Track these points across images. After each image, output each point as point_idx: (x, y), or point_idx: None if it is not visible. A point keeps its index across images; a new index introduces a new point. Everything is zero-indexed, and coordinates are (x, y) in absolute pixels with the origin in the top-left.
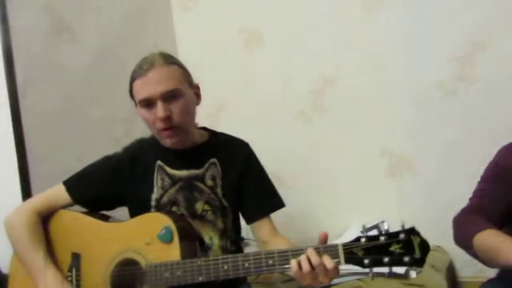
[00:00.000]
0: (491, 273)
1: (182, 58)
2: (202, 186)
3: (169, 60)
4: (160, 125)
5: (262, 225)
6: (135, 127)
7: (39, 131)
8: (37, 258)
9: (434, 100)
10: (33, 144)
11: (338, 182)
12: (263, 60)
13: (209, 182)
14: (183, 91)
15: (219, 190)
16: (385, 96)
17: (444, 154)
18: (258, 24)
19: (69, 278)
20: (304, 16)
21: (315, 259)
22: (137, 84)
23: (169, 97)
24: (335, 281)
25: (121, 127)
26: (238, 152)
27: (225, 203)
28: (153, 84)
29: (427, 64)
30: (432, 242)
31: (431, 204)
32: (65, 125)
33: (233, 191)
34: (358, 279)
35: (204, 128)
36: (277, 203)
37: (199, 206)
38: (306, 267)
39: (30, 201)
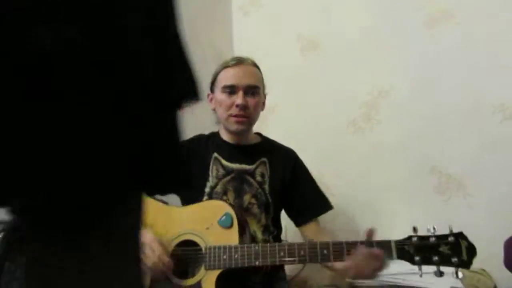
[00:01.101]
0: None
1: None
2: (251, 180)
3: (256, 64)
4: (235, 110)
5: (310, 226)
6: (186, 120)
7: None
8: None
9: (492, 123)
10: None
11: (383, 194)
12: (318, 68)
13: (259, 178)
14: (260, 91)
15: (266, 186)
16: (440, 114)
17: (498, 178)
18: (316, 33)
19: None
20: (363, 27)
21: (368, 253)
22: (226, 72)
23: (250, 91)
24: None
25: None
26: (287, 157)
27: (270, 200)
28: (240, 75)
29: (487, 86)
30: (477, 265)
31: (478, 227)
32: None
33: (279, 190)
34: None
35: (258, 134)
36: (326, 205)
37: (247, 198)
38: (360, 258)
39: None
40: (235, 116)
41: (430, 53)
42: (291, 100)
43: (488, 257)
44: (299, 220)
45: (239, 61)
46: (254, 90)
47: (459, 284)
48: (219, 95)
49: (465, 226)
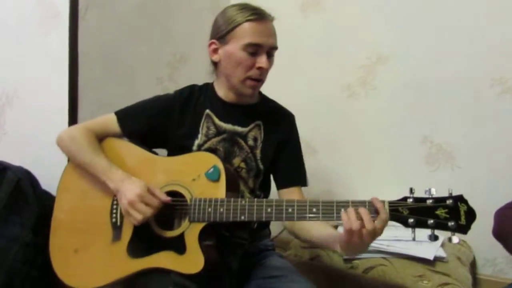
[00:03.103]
0: None
1: None
2: (243, 143)
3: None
4: (256, 74)
5: (291, 192)
6: (179, 72)
7: (92, 57)
8: (101, 161)
9: (489, 95)
10: (85, 69)
11: (372, 163)
12: (317, 27)
13: (251, 142)
14: None
15: (258, 151)
16: (437, 84)
17: (488, 152)
18: None
19: (115, 203)
20: None
21: (365, 214)
22: (251, 26)
23: (270, 52)
24: (360, 256)
25: (166, 69)
26: (284, 121)
27: (261, 166)
28: (268, 34)
29: (489, 57)
30: (459, 236)
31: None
32: (116, 56)
33: (270, 155)
34: (382, 257)
35: (258, 92)
36: (304, 180)
37: (236, 161)
38: (353, 218)
39: (83, 123)
40: (254, 79)
41: (434, 22)
42: (285, 58)
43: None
44: (278, 184)
45: (262, 16)
46: (274, 52)
47: (443, 253)
48: (238, 51)
49: None
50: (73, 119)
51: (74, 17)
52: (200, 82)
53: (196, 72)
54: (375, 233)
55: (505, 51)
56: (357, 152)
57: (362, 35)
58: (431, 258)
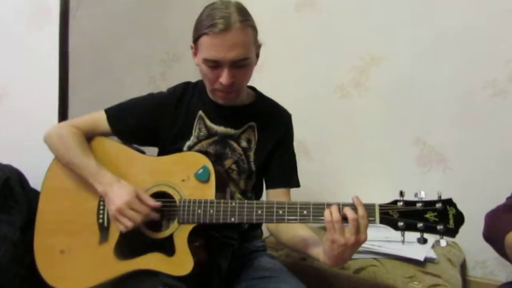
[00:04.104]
0: (501, 277)
1: None
2: (235, 145)
3: (246, 22)
4: (219, 87)
5: (279, 194)
6: (172, 70)
7: (83, 54)
8: (90, 162)
9: (481, 99)
10: (75, 67)
11: (363, 163)
12: (311, 26)
13: (244, 144)
14: (251, 58)
15: (251, 153)
16: (431, 86)
17: (480, 154)
18: None
19: (101, 203)
20: None
21: (350, 213)
22: (207, 41)
23: (237, 64)
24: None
25: (158, 67)
26: (280, 121)
27: (253, 168)
28: (225, 49)
29: (483, 60)
30: (449, 238)
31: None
32: (107, 54)
33: (264, 156)
34: (374, 258)
35: (253, 89)
36: (297, 181)
37: (227, 163)
38: (335, 212)
39: (72, 120)
40: (221, 91)
41: (428, 24)
42: (279, 58)
43: (460, 231)
44: (268, 184)
45: (225, 28)
46: (243, 62)
47: (433, 254)
48: (201, 64)
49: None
50: (63, 117)
51: (65, 15)
52: (193, 80)
53: (189, 71)
54: (358, 231)
55: (498, 53)
56: (350, 153)
57: (356, 36)
58: (422, 259)
